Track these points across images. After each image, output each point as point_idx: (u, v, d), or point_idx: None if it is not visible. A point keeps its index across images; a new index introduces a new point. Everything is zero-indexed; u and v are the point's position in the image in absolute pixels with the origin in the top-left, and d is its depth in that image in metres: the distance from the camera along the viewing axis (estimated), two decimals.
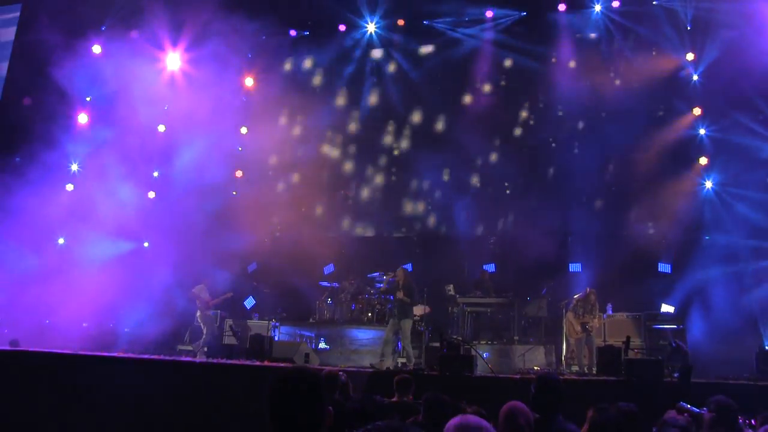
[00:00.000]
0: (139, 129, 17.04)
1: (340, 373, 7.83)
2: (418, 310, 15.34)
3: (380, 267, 16.35)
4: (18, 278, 14.53)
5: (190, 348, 14.91)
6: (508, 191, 17.80)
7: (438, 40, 18.35)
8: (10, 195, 14.75)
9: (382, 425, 2.60)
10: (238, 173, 18.70)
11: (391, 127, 18.88)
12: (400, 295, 13.69)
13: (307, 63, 19.20)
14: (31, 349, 12.05)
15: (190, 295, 15.48)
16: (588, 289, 14.07)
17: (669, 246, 15.88)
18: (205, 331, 15.04)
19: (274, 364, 11.78)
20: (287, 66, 19.15)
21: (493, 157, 17.94)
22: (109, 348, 13.89)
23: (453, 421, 2.86)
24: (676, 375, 10.30)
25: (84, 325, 15.76)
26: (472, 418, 2.88)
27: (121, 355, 12.42)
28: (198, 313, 15.41)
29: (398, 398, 7.47)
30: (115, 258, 15.96)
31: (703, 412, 5.24)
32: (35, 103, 16.45)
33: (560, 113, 17.71)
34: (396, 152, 18.82)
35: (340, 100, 19.14)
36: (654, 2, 16.45)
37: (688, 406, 5.36)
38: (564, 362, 14.22)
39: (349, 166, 18.99)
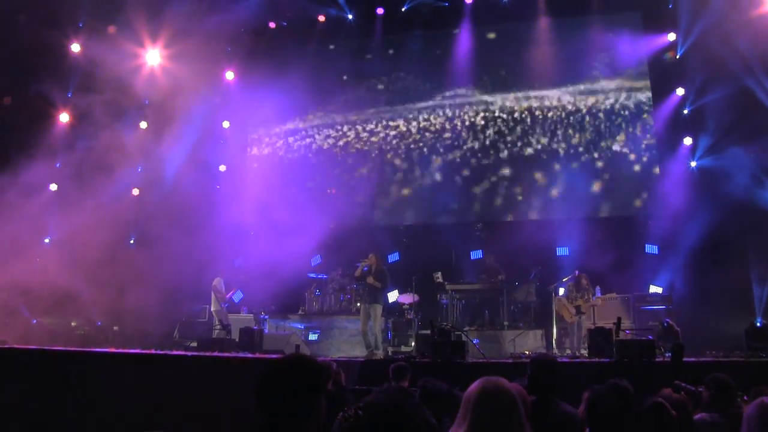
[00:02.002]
0: (121, 125, 16.84)
1: (332, 363, 7.81)
2: (406, 298, 15.39)
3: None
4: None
5: (195, 344, 14.75)
6: (493, 178, 17.75)
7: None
8: None
9: (381, 398, 2.53)
10: (222, 167, 18.61)
11: (376, 119, 18.84)
12: (370, 280, 13.72)
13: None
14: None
15: (212, 288, 15.46)
16: (577, 273, 14.17)
17: (655, 227, 15.97)
18: (219, 325, 14.97)
19: (267, 355, 11.75)
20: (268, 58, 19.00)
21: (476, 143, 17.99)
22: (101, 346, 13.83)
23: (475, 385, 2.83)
24: (668, 354, 10.30)
25: (72, 324, 15.70)
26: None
27: (115, 350, 12.34)
28: (213, 308, 15.45)
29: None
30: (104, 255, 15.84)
31: (700, 390, 5.23)
32: (15, 101, 16.21)
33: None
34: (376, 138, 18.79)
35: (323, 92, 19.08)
36: None
37: (684, 384, 5.35)
38: (555, 346, 14.27)
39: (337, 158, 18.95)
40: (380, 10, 18.18)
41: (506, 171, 17.68)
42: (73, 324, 15.97)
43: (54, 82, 16.38)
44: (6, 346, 12.08)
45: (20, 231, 14.73)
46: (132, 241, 17.69)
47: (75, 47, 17.14)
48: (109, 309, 15.70)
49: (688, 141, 16.27)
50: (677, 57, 16.48)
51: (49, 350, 11.62)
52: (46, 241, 16.95)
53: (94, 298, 15.19)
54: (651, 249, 15.37)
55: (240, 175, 18.51)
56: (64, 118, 17.38)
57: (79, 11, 16.66)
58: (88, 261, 14.83)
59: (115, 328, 15.87)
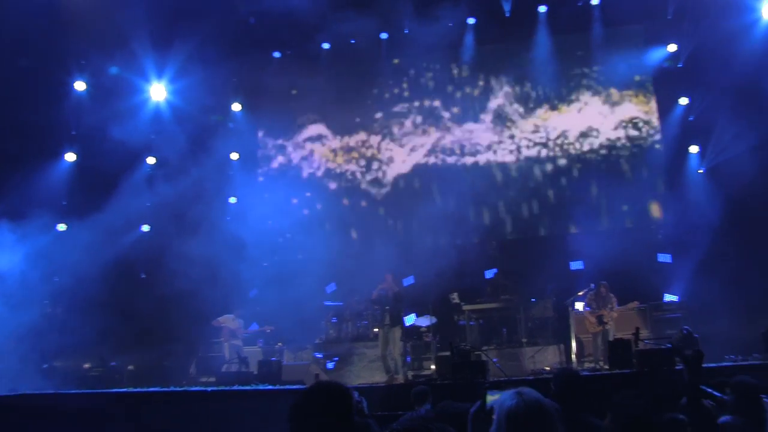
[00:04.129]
0: (127, 161, 17.01)
1: (353, 392, 7.79)
2: (424, 320, 15.37)
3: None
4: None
5: (213, 379, 14.66)
6: (504, 200, 17.85)
7: None
8: None
9: (407, 425, 2.57)
10: (232, 200, 18.72)
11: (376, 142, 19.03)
12: (391, 302, 13.66)
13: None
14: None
15: (215, 323, 15.42)
16: (593, 286, 14.16)
17: (667, 235, 16.00)
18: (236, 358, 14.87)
19: (288, 386, 11.69)
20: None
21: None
22: (116, 386, 13.75)
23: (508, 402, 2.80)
24: (678, 367, 10.26)
25: (85, 366, 15.68)
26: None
27: (133, 390, 12.27)
28: (225, 344, 15.33)
29: (416, 409, 7.45)
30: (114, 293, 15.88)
31: (724, 397, 5.24)
32: (19, 137, 16.30)
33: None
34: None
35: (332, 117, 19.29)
36: None
37: (710, 390, 5.35)
38: (575, 360, 14.23)
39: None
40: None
41: (517, 189, 17.76)
42: (85, 366, 15.91)
43: (58, 119, 16.52)
44: (17, 393, 11.94)
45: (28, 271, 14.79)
46: (143, 276, 17.68)
47: (79, 85, 17.16)
48: (123, 348, 15.75)
49: (694, 149, 16.42)
50: (679, 66, 16.62)
51: (63, 394, 11.45)
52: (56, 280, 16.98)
53: (105, 337, 15.19)
54: (664, 258, 15.34)
55: (251, 205, 18.57)
56: (70, 157, 17.47)
57: (81, 47, 16.71)
58: (99, 299, 14.96)
59: (130, 367, 15.82)
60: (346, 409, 2.78)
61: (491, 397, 3.67)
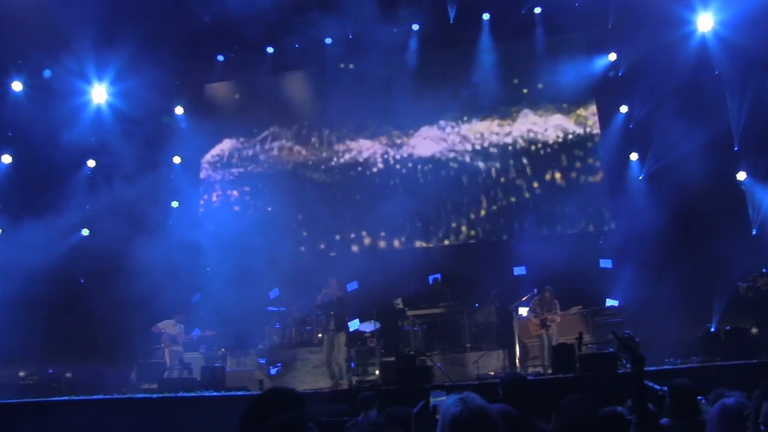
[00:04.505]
0: (66, 163, 16.63)
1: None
2: (368, 326, 15.33)
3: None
4: None
5: (155, 386, 14.37)
6: (448, 206, 17.93)
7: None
8: None
9: (364, 425, 2.54)
10: (174, 204, 18.45)
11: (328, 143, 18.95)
12: (336, 307, 13.57)
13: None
14: None
15: (154, 329, 15.14)
16: (544, 288, 14.28)
17: (609, 241, 16.29)
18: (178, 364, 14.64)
19: (232, 393, 11.58)
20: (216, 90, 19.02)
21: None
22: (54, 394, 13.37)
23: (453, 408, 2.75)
24: (629, 365, 10.41)
25: (21, 374, 15.24)
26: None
27: (73, 398, 11.97)
28: (166, 350, 15.03)
29: (363, 415, 7.41)
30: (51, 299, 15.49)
31: (665, 390, 5.33)
32: None
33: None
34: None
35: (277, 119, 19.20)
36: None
37: (650, 383, 5.44)
38: (518, 365, 14.35)
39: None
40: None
41: (461, 196, 17.86)
42: (21, 374, 15.45)
43: None
44: None
45: None
46: (82, 281, 17.31)
47: (16, 85, 16.73)
48: (60, 355, 15.37)
49: (634, 156, 16.79)
50: (619, 75, 16.97)
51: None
52: None
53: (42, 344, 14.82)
54: (605, 263, 15.59)
55: (193, 209, 18.35)
56: (5, 159, 17.03)
57: (18, 46, 16.26)
58: (35, 305, 14.59)
59: (68, 374, 15.41)
60: (300, 416, 2.72)
61: (435, 399, 3.67)
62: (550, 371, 12.76)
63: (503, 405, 4.17)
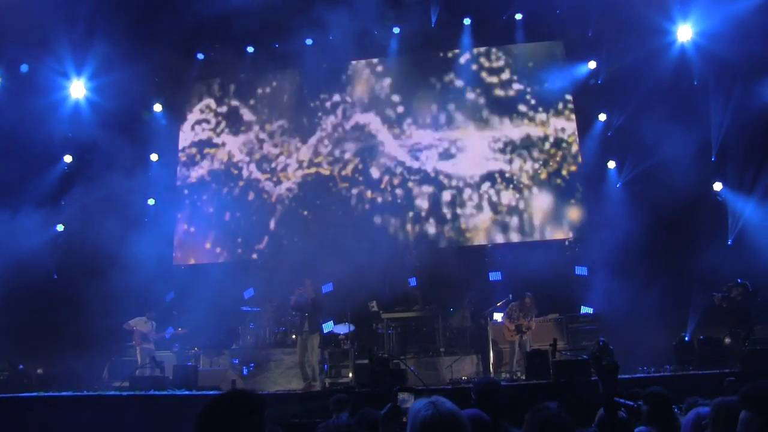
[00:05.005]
0: (43, 159, 16.45)
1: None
2: (342, 328, 15.27)
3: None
4: None
5: (126, 384, 14.22)
6: (423, 212, 17.92)
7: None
8: None
9: (333, 427, 2.48)
10: (150, 201, 18.29)
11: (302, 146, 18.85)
12: (310, 308, 13.46)
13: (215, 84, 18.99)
14: None
15: (126, 326, 15.03)
16: (525, 294, 14.22)
17: (585, 249, 16.33)
18: (150, 363, 14.50)
19: (204, 392, 11.51)
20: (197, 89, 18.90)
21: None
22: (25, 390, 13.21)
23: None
24: (593, 378, 10.45)
25: None
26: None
27: (44, 394, 11.82)
28: (138, 347, 14.96)
29: (335, 417, 7.36)
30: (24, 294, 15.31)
31: (639, 404, 5.30)
32: None
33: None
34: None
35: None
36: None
37: (623, 400, 5.40)
38: (492, 370, 14.34)
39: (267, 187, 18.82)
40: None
41: (438, 199, 17.83)
42: None
43: None
44: None
45: None
46: (55, 276, 17.13)
47: None
48: (31, 351, 15.17)
49: (612, 164, 16.87)
50: (599, 83, 17.04)
51: None
52: None
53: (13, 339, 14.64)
54: (581, 270, 15.64)
55: (170, 207, 18.20)
56: None
57: None
58: (7, 300, 14.42)
59: (39, 371, 15.22)
60: (258, 420, 2.65)
61: (405, 402, 3.64)
62: (517, 377, 12.80)
63: (475, 410, 4.12)
